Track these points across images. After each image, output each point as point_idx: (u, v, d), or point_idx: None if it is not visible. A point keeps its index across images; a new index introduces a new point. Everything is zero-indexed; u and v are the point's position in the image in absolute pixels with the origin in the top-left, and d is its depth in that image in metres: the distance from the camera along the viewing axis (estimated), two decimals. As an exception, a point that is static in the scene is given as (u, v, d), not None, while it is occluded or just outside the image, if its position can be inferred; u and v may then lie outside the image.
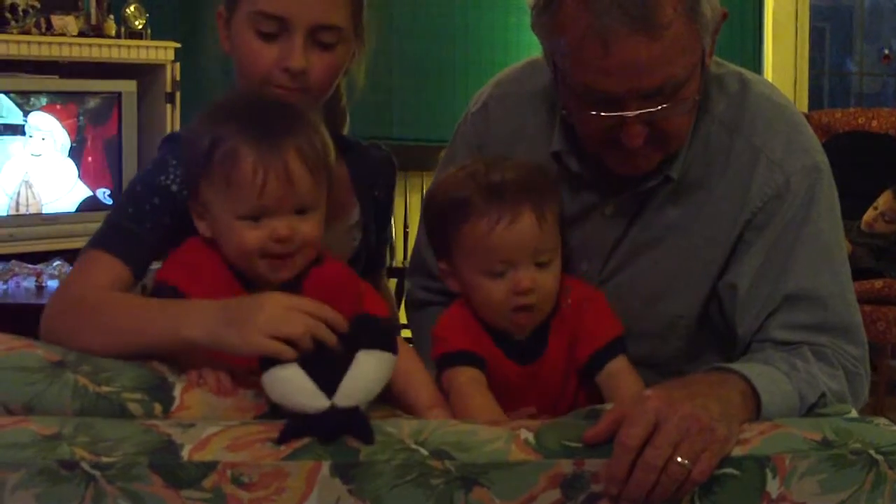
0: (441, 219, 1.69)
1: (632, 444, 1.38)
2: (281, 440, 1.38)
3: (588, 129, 1.68)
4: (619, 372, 1.71)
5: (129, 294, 1.65)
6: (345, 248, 1.88)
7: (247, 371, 1.52)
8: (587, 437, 1.41)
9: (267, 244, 1.60)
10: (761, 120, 1.76)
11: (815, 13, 6.81)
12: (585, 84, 1.61)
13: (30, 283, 3.88)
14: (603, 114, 1.61)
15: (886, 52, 7.55)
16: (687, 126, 1.70)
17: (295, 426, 1.39)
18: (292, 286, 1.63)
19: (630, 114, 1.60)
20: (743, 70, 1.83)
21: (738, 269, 1.74)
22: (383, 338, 1.45)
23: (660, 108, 1.60)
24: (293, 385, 1.40)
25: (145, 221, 1.71)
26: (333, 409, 1.39)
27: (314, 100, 1.79)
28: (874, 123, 5.80)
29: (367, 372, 1.42)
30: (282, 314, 1.45)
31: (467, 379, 1.65)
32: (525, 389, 1.69)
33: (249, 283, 1.65)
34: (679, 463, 1.38)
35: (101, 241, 1.72)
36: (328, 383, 1.40)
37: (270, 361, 1.42)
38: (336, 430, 1.39)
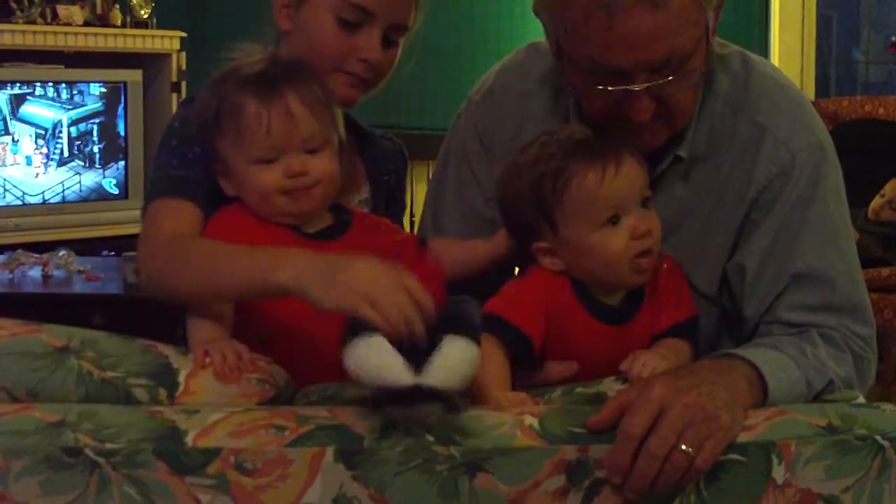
0: (535, 198, 1.64)
1: (635, 433, 1.38)
2: (374, 408, 1.38)
3: (595, 105, 1.67)
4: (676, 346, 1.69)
5: (215, 240, 1.67)
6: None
7: (253, 356, 1.54)
8: (590, 424, 1.41)
9: (283, 181, 1.67)
10: (766, 99, 1.75)
11: (822, 1, 6.79)
12: (591, 58, 1.60)
13: (36, 272, 3.88)
14: (610, 88, 1.60)
15: (894, 39, 7.53)
16: (693, 101, 1.70)
17: (378, 400, 1.37)
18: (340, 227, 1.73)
19: (637, 87, 1.59)
20: (745, 50, 1.82)
21: (746, 248, 1.73)
22: (474, 327, 1.42)
23: (667, 80, 1.59)
24: (379, 357, 1.36)
25: (193, 167, 1.75)
26: (418, 387, 1.34)
27: (366, 92, 1.87)
28: (881, 111, 5.79)
29: (454, 356, 1.37)
30: (385, 284, 1.41)
31: (491, 353, 1.57)
32: (611, 357, 1.64)
33: (300, 230, 1.71)
34: (683, 451, 1.38)
35: (159, 192, 1.75)
36: (415, 361, 1.35)
37: (354, 331, 1.38)
38: (420, 409, 1.36)
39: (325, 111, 1.72)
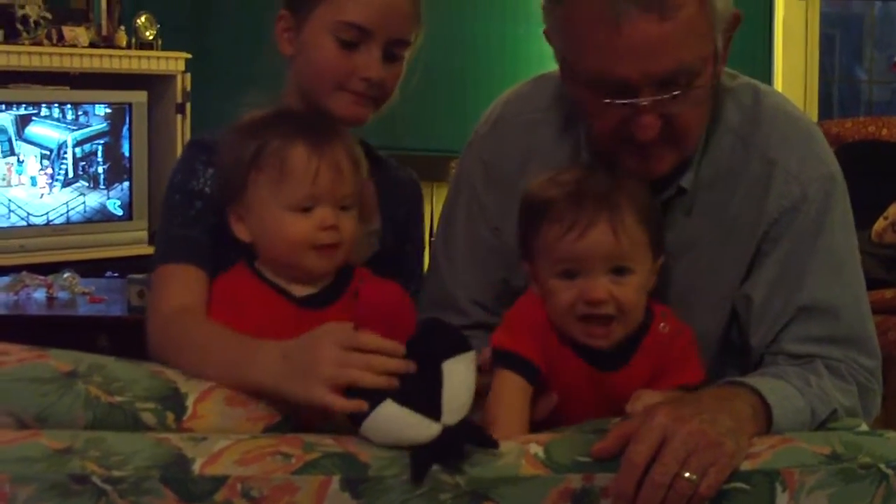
0: (525, 219, 1.68)
1: (639, 462, 1.38)
2: (415, 478, 1.37)
3: (601, 124, 1.67)
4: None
5: (209, 324, 1.67)
6: (364, 251, 1.90)
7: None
8: (594, 452, 1.42)
9: (316, 233, 1.67)
10: (776, 133, 1.75)
11: (826, 20, 6.80)
12: (598, 70, 1.60)
13: (40, 294, 3.89)
14: (617, 101, 1.60)
15: (896, 60, 7.54)
16: (700, 124, 1.69)
17: (419, 459, 1.38)
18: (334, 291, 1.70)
19: (643, 100, 1.59)
20: (755, 81, 1.82)
21: (754, 280, 1.73)
22: (457, 339, 1.46)
23: (673, 96, 1.59)
24: (397, 423, 1.40)
25: (196, 226, 1.78)
26: (447, 430, 1.39)
27: (376, 108, 1.88)
28: (884, 132, 5.79)
29: (460, 381, 1.42)
30: (340, 358, 1.45)
31: (509, 389, 1.61)
32: (593, 398, 1.65)
33: (288, 294, 1.69)
34: (687, 478, 1.38)
35: (165, 256, 1.78)
36: (430, 407, 1.40)
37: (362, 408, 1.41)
38: (457, 448, 1.39)
39: (360, 171, 1.74)
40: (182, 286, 1.74)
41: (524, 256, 1.70)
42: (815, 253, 1.71)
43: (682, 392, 1.57)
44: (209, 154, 1.82)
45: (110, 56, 4.88)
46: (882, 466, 1.43)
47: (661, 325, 1.68)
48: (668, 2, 1.54)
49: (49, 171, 4.77)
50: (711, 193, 1.75)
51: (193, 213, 1.78)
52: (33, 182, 4.73)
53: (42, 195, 4.76)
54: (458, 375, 1.42)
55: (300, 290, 1.70)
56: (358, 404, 1.40)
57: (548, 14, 1.67)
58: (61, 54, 4.73)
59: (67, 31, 4.77)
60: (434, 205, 1.77)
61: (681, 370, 1.67)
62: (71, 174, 4.84)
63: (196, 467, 1.36)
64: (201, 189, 1.80)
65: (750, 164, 1.74)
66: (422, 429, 1.39)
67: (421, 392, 1.40)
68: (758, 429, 1.49)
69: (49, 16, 4.74)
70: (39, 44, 4.69)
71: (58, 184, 4.80)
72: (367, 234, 1.92)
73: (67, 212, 4.83)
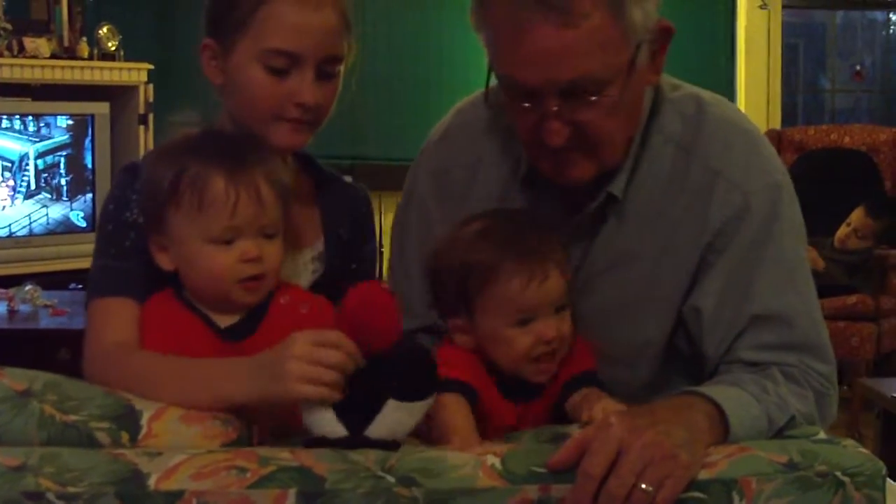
0: (459, 281, 1.68)
1: (594, 473, 1.39)
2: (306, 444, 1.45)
3: (520, 127, 1.68)
4: (591, 393, 1.70)
5: (153, 355, 1.65)
6: (301, 278, 1.88)
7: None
8: (550, 465, 1.41)
9: (238, 266, 1.63)
10: (719, 142, 1.74)
11: (788, 30, 6.85)
12: (508, 74, 1.62)
13: (1, 307, 3.87)
14: (525, 105, 1.62)
15: (858, 68, 7.60)
16: (617, 133, 1.68)
17: (311, 443, 1.46)
18: (257, 318, 1.67)
19: (549, 106, 1.60)
20: (700, 91, 1.82)
21: (701, 291, 1.73)
22: (417, 386, 1.48)
23: (577, 104, 1.60)
24: (325, 427, 1.47)
25: (131, 258, 1.75)
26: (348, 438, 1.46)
27: (315, 130, 1.82)
28: (847, 140, 5.84)
29: (394, 421, 1.46)
30: (310, 351, 1.48)
31: (455, 402, 1.64)
32: (516, 425, 1.69)
33: (213, 323, 1.67)
34: (643, 490, 1.38)
35: (100, 289, 1.75)
36: (356, 427, 1.46)
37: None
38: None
39: (286, 197, 1.69)
40: (120, 321, 1.71)
41: (452, 314, 1.71)
42: (764, 262, 1.71)
43: (643, 405, 1.58)
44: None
45: (72, 67, 4.86)
46: (838, 474, 1.44)
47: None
48: (573, 10, 1.54)
49: (11, 182, 4.74)
50: (650, 203, 1.75)
51: (128, 245, 1.75)
52: (-5, 194, 4.72)
53: (4, 207, 4.73)
54: (394, 416, 1.46)
55: (224, 320, 1.67)
56: (322, 392, 1.45)
57: (472, 14, 1.67)
58: (22, 65, 4.71)
59: (28, 42, 4.75)
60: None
61: (572, 362, 1.72)
62: (33, 186, 4.82)
63: (151, 482, 1.36)
64: (135, 219, 1.75)
65: (691, 173, 1.73)
66: (331, 428, 1.46)
67: (358, 411, 1.46)
68: (714, 438, 1.50)
69: (9, 27, 4.72)
70: (0, 55, 4.66)
71: (20, 196, 4.77)
72: (307, 261, 1.90)
73: (30, 224, 4.81)
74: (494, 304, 1.66)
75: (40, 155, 4.82)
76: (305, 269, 1.90)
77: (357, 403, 1.47)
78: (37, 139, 4.80)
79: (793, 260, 1.73)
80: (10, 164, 4.74)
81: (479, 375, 1.69)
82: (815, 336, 1.72)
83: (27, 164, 4.78)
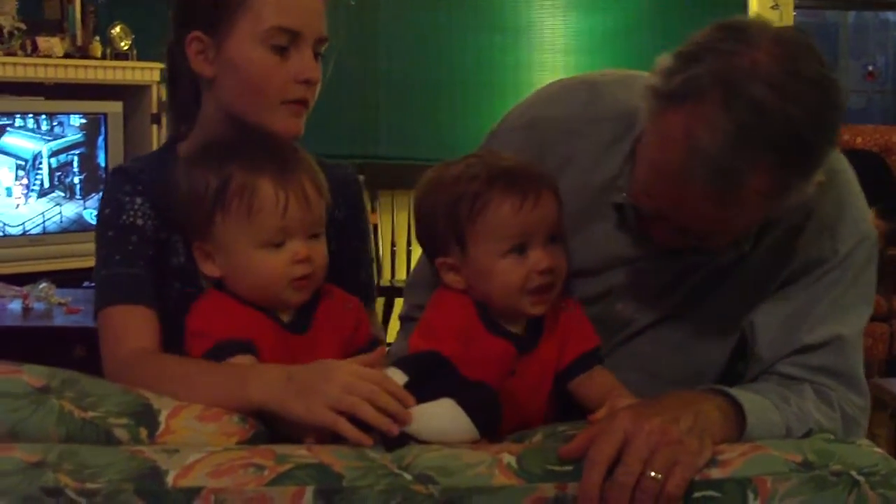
0: (449, 214, 1.67)
1: (599, 460, 1.39)
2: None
3: (636, 198, 1.68)
4: (601, 375, 1.72)
5: (179, 359, 1.67)
6: None
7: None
8: (562, 453, 1.43)
9: (290, 267, 1.65)
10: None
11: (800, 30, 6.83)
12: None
13: (16, 305, 3.88)
14: (645, 213, 1.64)
15: (871, 68, 7.59)
16: (728, 238, 1.67)
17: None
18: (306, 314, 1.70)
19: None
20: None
21: (762, 310, 1.74)
22: (483, 407, 1.52)
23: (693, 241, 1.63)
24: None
25: (136, 261, 1.77)
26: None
27: (306, 115, 1.83)
28: (858, 140, 5.82)
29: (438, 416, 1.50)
30: (348, 384, 1.48)
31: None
32: (517, 381, 1.69)
33: (277, 317, 1.69)
34: (652, 477, 1.39)
35: (112, 297, 1.76)
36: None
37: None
38: None
39: (325, 195, 1.71)
40: (137, 328, 1.73)
41: (443, 252, 1.70)
42: (833, 300, 1.72)
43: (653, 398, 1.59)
44: (133, 183, 1.82)
45: (85, 67, 4.87)
46: (853, 473, 1.44)
47: (563, 303, 1.74)
48: (738, 198, 1.52)
49: (25, 181, 4.75)
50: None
51: (131, 249, 1.77)
52: (8, 192, 4.72)
53: (18, 206, 4.74)
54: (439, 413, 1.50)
55: (283, 316, 1.70)
56: (363, 437, 1.44)
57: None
58: (36, 65, 4.72)
59: (42, 41, 4.76)
60: (411, 214, 1.75)
61: (580, 338, 1.73)
62: (47, 184, 4.82)
63: (169, 480, 1.36)
64: (133, 222, 1.79)
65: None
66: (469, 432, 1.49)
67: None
68: (728, 433, 1.50)
69: (23, 26, 4.72)
70: (13, 54, 4.67)
71: (33, 194, 4.78)
72: None
73: (44, 222, 4.81)
74: (487, 232, 1.65)
75: (54, 153, 4.83)
76: None
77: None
78: (50, 138, 4.81)
79: (857, 297, 1.74)
80: (23, 163, 4.75)
81: (472, 327, 1.67)
82: (854, 369, 1.72)
83: (41, 163, 4.79)
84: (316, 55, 1.82)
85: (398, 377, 1.54)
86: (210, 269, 1.70)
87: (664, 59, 1.57)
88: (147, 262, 1.78)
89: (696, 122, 1.48)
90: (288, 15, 1.78)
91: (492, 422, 1.51)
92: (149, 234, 1.80)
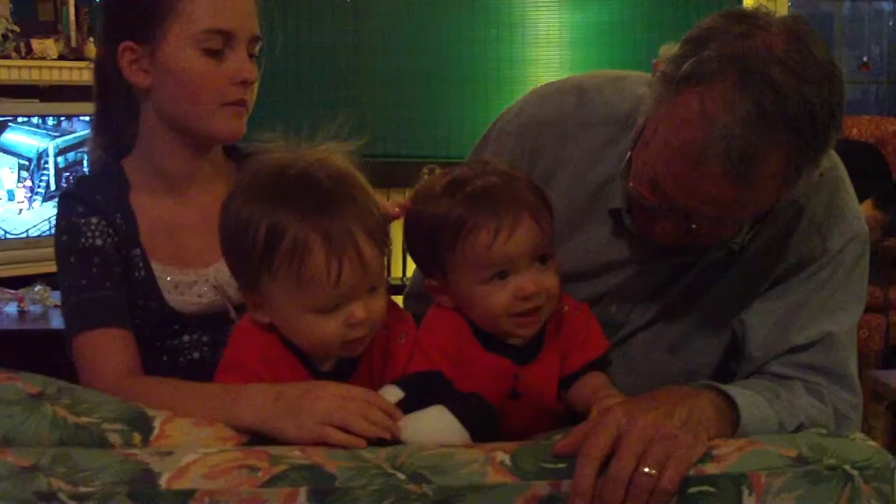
0: (430, 238, 1.64)
1: (593, 455, 1.39)
2: None
3: (633, 201, 1.68)
4: (593, 377, 1.71)
5: (170, 380, 1.66)
6: None
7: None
8: (555, 449, 1.43)
9: (345, 330, 1.54)
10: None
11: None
12: (657, 181, 1.58)
13: (12, 308, 3.87)
14: (649, 204, 1.62)
15: (866, 59, 7.58)
16: (727, 235, 1.69)
17: None
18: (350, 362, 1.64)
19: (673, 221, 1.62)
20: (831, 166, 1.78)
21: (753, 309, 1.75)
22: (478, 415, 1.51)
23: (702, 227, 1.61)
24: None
25: (103, 284, 1.76)
26: None
27: (247, 116, 1.83)
28: (854, 131, 5.82)
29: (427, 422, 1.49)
30: (338, 401, 1.47)
31: None
32: (519, 391, 1.67)
33: (313, 366, 1.62)
34: (646, 473, 1.39)
35: (85, 323, 1.75)
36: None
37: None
38: None
39: (384, 243, 1.56)
40: (114, 351, 1.72)
41: (430, 274, 1.68)
42: (823, 301, 1.72)
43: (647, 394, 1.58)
44: (84, 205, 1.80)
45: (80, 68, 4.87)
46: (847, 467, 1.44)
47: (563, 307, 1.71)
48: (753, 182, 1.51)
49: (28, 183, 4.74)
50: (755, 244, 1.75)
51: (96, 272, 1.76)
52: (10, 196, 4.70)
53: (21, 210, 4.72)
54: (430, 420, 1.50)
55: (324, 365, 1.61)
56: (356, 440, 1.43)
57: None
58: (30, 66, 4.72)
59: (36, 43, 4.76)
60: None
61: (586, 345, 1.70)
62: (54, 187, 4.81)
63: (163, 482, 1.36)
64: (93, 243, 1.78)
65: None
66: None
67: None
68: (722, 429, 1.50)
69: (17, 29, 4.73)
70: (8, 57, 4.67)
71: (38, 197, 4.77)
72: None
73: (50, 228, 4.80)
74: (465, 261, 1.62)
75: (61, 151, 4.81)
76: None
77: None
78: (57, 134, 4.79)
79: (849, 297, 1.74)
80: (27, 163, 4.71)
81: (465, 346, 1.66)
82: (844, 367, 1.72)
83: (46, 163, 4.76)
84: (251, 56, 1.82)
85: (393, 394, 1.53)
86: (259, 316, 1.58)
87: (669, 47, 1.57)
88: (114, 283, 1.77)
89: (712, 102, 1.49)
90: (219, 17, 1.78)
91: (486, 429, 1.49)
92: (110, 253, 1.79)
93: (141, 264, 1.82)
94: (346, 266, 1.49)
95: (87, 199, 1.81)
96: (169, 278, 1.84)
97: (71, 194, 1.84)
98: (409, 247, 1.71)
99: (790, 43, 1.50)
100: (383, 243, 1.55)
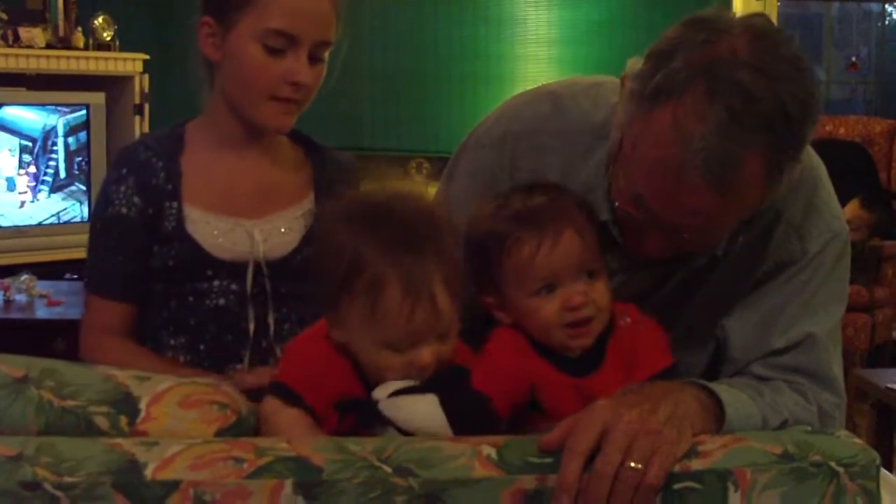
0: (481, 258, 1.67)
1: (578, 450, 1.39)
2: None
3: (621, 210, 1.66)
4: None
5: (146, 353, 1.91)
6: (296, 232, 1.98)
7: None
8: (541, 444, 1.42)
9: (407, 371, 1.56)
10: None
11: (784, 21, 6.85)
12: (641, 195, 1.57)
13: (-3, 297, 3.87)
14: (634, 215, 1.61)
15: (854, 59, 7.61)
16: (713, 243, 1.67)
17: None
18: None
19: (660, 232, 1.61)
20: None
21: (734, 314, 1.75)
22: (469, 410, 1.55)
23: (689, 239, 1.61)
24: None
25: (117, 255, 1.90)
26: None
27: (299, 113, 1.93)
28: (842, 131, 5.84)
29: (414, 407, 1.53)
30: None
31: None
32: (580, 406, 1.67)
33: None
34: (632, 468, 1.39)
35: (91, 286, 1.96)
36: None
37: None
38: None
39: (457, 286, 1.57)
40: (102, 318, 1.95)
41: (482, 293, 1.69)
42: (803, 303, 1.72)
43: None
44: (125, 166, 1.93)
45: (67, 57, 4.85)
46: (833, 464, 1.44)
47: (624, 319, 1.71)
48: (738, 190, 1.50)
49: (32, 169, 4.71)
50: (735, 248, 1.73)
51: (113, 243, 1.90)
52: (10, 184, 4.67)
53: (23, 203, 4.70)
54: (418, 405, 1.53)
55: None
56: None
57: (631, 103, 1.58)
58: (17, 55, 4.70)
59: (24, 31, 4.73)
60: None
61: (651, 358, 1.69)
62: (64, 174, 4.79)
63: (148, 472, 1.36)
64: (117, 212, 1.90)
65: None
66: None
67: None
68: (706, 424, 1.50)
69: (5, 16, 4.70)
70: (-5, 45, 4.65)
71: (44, 187, 4.75)
72: (301, 216, 1.99)
73: (59, 219, 4.79)
74: (513, 276, 1.65)
75: (71, 130, 4.80)
76: (297, 222, 1.99)
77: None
78: (67, 110, 4.78)
79: (829, 297, 1.74)
80: (30, 144, 4.70)
81: (527, 361, 1.66)
82: (828, 370, 1.72)
83: (54, 144, 4.74)
84: (315, 59, 1.89)
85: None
86: (336, 333, 1.59)
87: (635, 62, 1.57)
88: (129, 254, 1.91)
89: (684, 115, 1.48)
90: (290, 19, 1.86)
91: (473, 430, 1.49)
92: (134, 221, 1.90)
93: (173, 215, 1.92)
94: (419, 311, 1.52)
95: (133, 157, 1.94)
96: (209, 222, 1.94)
97: (123, 151, 1.99)
98: (467, 267, 1.69)
99: (754, 43, 1.49)
100: (460, 290, 1.58)
